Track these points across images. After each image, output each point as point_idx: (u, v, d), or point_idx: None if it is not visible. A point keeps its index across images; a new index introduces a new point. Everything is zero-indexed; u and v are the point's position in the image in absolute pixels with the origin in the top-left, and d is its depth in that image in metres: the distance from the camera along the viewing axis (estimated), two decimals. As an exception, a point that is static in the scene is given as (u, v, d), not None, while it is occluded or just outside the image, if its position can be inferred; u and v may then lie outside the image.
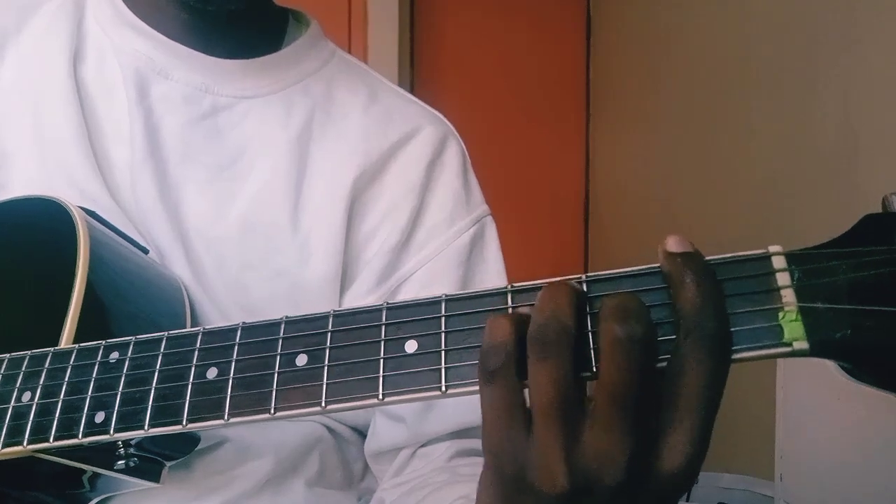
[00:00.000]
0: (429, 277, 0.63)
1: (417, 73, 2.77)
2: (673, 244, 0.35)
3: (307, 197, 0.62)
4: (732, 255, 0.35)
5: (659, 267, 0.35)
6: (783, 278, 0.33)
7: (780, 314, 0.33)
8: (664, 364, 0.33)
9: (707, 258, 0.35)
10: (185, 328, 0.56)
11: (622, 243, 2.83)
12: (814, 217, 1.72)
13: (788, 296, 0.33)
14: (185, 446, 0.52)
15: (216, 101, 0.62)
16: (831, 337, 0.32)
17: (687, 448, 0.32)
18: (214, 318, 0.59)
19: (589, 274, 0.37)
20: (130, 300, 0.55)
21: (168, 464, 0.52)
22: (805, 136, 1.77)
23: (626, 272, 0.36)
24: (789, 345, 0.32)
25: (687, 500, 1.78)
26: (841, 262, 0.33)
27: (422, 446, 0.62)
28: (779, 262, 0.34)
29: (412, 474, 0.60)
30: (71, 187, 0.58)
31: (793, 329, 0.32)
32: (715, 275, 0.34)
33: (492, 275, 0.66)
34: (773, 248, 0.34)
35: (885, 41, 1.51)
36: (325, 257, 0.61)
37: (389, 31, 2.55)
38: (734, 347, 0.33)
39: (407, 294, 0.64)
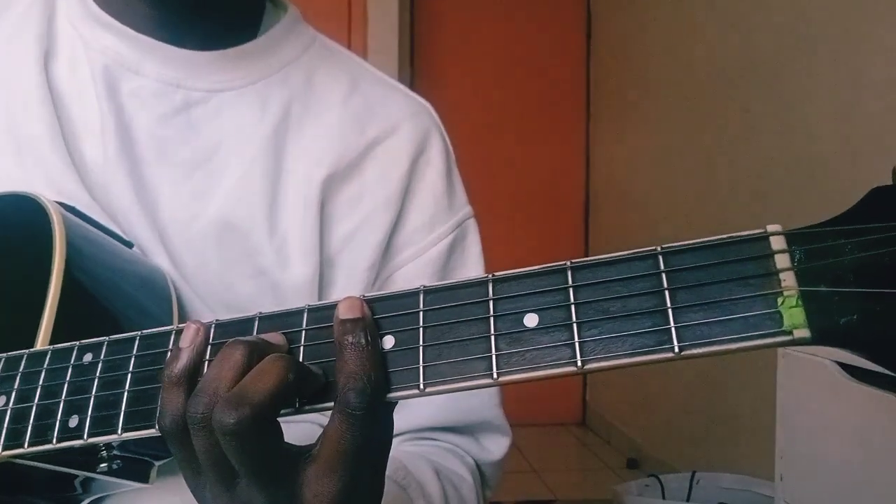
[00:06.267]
0: (404, 284, 0.62)
1: (417, 73, 2.75)
2: (343, 310, 0.36)
3: (283, 196, 0.60)
4: (728, 235, 0.32)
5: (651, 250, 0.33)
6: (782, 260, 0.31)
7: (779, 300, 0.30)
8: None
9: (702, 240, 0.32)
10: (172, 320, 0.55)
11: (622, 242, 2.81)
12: (815, 217, 1.69)
13: (788, 279, 0.30)
14: (171, 446, 0.51)
15: (189, 95, 0.60)
16: (836, 323, 0.29)
17: (329, 499, 0.36)
18: (202, 314, 0.57)
19: (574, 260, 0.34)
20: (112, 295, 0.53)
21: (157, 463, 0.51)
22: (805, 136, 1.76)
23: (613, 257, 0.33)
24: (789, 333, 0.30)
25: (687, 501, 1.78)
26: (847, 241, 0.30)
27: None
28: (778, 242, 0.31)
29: None
30: (49, 186, 0.56)
31: (793, 316, 0.30)
32: (377, 346, 0.35)
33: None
34: (771, 228, 0.31)
35: (884, 41, 1.50)
36: (302, 260, 0.59)
37: (389, 31, 2.55)
38: (728, 338, 0.30)
39: None
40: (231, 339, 0.37)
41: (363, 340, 0.35)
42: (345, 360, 0.35)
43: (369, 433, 0.35)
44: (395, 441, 0.59)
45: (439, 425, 0.62)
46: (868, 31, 1.53)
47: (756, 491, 1.67)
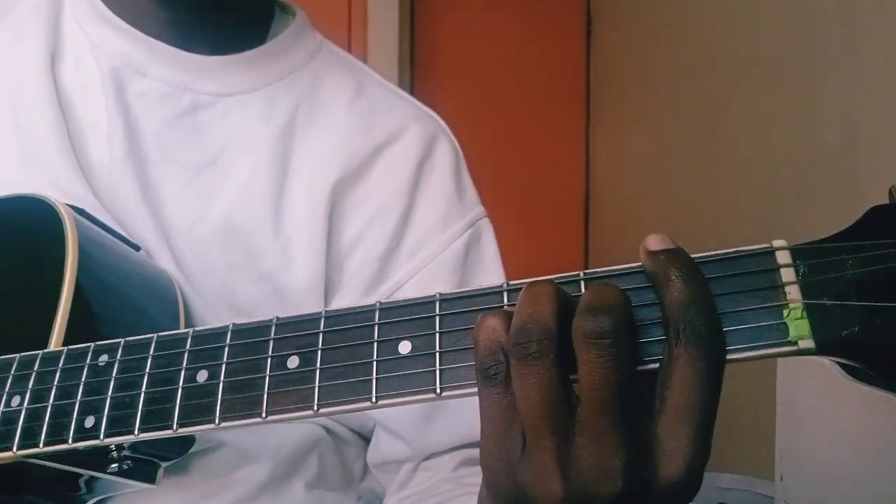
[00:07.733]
0: (423, 285, 0.61)
1: (417, 73, 2.75)
2: (654, 242, 0.33)
3: (288, 199, 0.60)
4: (735, 250, 0.34)
5: None
6: (788, 274, 0.32)
7: (785, 311, 0.32)
8: (656, 366, 0.32)
9: (710, 253, 0.34)
10: (179, 324, 0.56)
11: (622, 244, 2.81)
12: (816, 218, 1.71)
13: (793, 292, 0.32)
14: (179, 447, 0.51)
15: (196, 98, 0.60)
16: (838, 335, 0.31)
17: (685, 455, 0.31)
18: (206, 317, 0.58)
19: (587, 271, 0.35)
20: (122, 298, 0.54)
21: (163, 464, 0.51)
22: (807, 137, 1.76)
23: (624, 269, 0.35)
24: (794, 343, 0.31)
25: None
26: (849, 257, 0.32)
27: (425, 459, 0.60)
28: (783, 257, 0.33)
29: (417, 487, 0.60)
30: (54, 188, 0.56)
31: (798, 327, 0.31)
32: (701, 271, 0.33)
33: (490, 280, 0.63)
34: (777, 243, 0.33)
35: (887, 40, 1.50)
36: (307, 263, 0.59)
37: (389, 31, 2.54)
38: (736, 347, 0.32)
39: None
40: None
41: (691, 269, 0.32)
42: (674, 288, 0.31)
43: (721, 370, 0.31)
44: (451, 465, 0.59)
45: None
46: (870, 31, 1.52)
47: (756, 491, 1.67)
